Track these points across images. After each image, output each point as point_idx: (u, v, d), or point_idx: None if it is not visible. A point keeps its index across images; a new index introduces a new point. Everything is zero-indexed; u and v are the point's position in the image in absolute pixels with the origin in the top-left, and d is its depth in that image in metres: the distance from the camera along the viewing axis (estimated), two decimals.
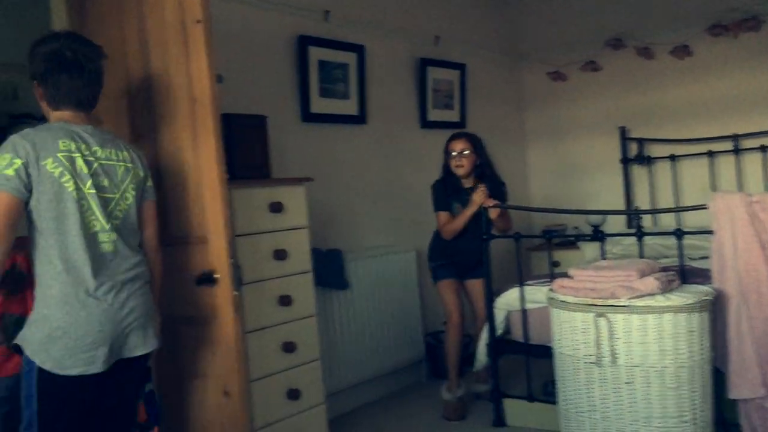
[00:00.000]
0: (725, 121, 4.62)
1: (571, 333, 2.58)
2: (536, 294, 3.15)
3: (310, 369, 2.97)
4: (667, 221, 4.77)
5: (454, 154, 3.55)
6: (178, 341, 2.44)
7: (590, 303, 2.52)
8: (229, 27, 3.37)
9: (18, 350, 1.94)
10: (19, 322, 2.06)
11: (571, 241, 4.75)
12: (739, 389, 2.61)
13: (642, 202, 4.98)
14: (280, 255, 2.86)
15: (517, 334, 3.26)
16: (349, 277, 3.75)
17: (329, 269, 3.59)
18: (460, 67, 4.85)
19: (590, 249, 4.30)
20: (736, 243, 2.65)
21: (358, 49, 4.06)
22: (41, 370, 1.85)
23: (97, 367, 1.88)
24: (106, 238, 1.95)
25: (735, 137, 4.57)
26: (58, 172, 1.87)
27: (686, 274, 2.84)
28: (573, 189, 5.31)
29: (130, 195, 2.06)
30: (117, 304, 1.93)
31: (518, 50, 5.50)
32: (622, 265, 2.65)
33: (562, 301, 2.62)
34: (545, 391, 3.29)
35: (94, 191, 1.93)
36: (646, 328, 2.42)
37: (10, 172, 1.81)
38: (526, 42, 5.48)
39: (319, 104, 3.85)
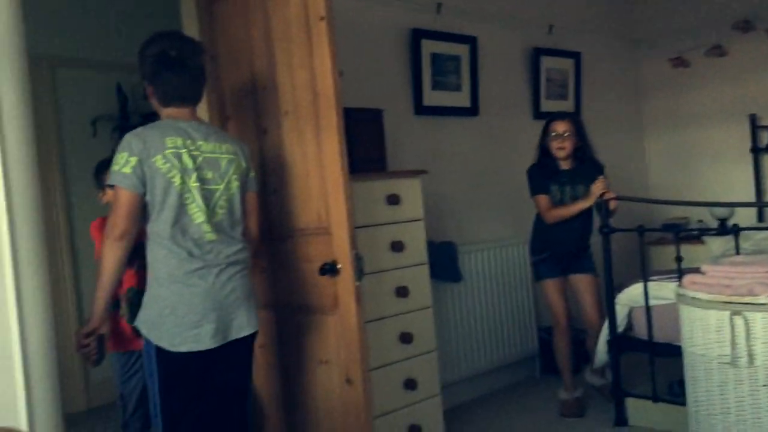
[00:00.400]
0: None
1: (704, 332, 2.45)
2: (661, 290, 3.02)
3: (427, 360, 2.98)
4: None
5: (555, 135, 3.44)
6: (300, 329, 2.52)
7: (725, 300, 2.38)
8: (344, 22, 3.42)
9: (138, 332, 2.12)
10: (139, 294, 2.22)
11: (694, 236, 4.50)
12: None
13: None
14: (397, 247, 2.89)
15: (641, 332, 3.13)
16: (462, 269, 3.74)
17: (443, 262, 3.58)
18: (575, 55, 4.71)
19: (717, 244, 4.07)
20: None
21: (471, 41, 4.03)
22: (158, 348, 2.03)
23: (203, 344, 2.02)
24: (209, 228, 2.07)
25: None
26: (166, 168, 2.01)
27: None
28: (696, 180, 5.04)
29: (234, 186, 2.17)
30: (218, 285, 2.06)
31: (636, 36, 5.27)
32: (761, 261, 2.49)
33: (693, 297, 2.49)
34: (671, 391, 3.15)
35: (198, 184, 2.06)
36: None
37: (127, 170, 1.99)
38: (644, 27, 5.24)
39: (432, 97, 3.85)
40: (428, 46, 3.82)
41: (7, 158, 1.84)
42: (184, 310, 2.01)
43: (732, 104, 4.81)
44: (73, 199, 4.22)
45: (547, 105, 4.55)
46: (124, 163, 1.99)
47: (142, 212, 2.04)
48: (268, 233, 2.60)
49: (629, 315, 3.20)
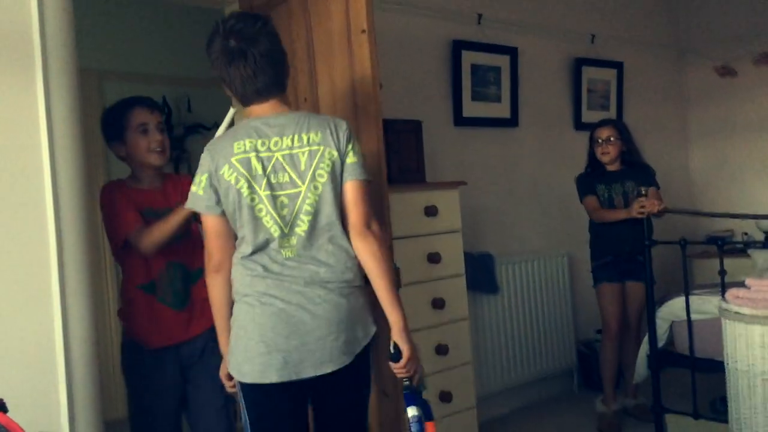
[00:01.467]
0: None
1: (748, 347, 2.40)
2: (704, 304, 2.96)
3: (462, 372, 2.98)
4: None
5: (600, 141, 3.52)
6: None
7: None
8: (386, 34, 3.46)
9: None
10: None
11: (739, 249, 4.40)
12: None
13: None
14: (434, 258, 2.90)
15: (682, 347, 3.07)
16: (500, 281, 3.72)
17: (480, 273, 3.58)
18: (617, 65, 4.66)
19: (763, 257, 3.96)
20: None
21: (511, 52, 4.02)
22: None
23: (267, 377, 1.72)
24: (286, 243, 1.77)
25: None
26: (234, 179, 1.76)
27: None
28: (742, 192, 4.92)
29: (322, 183, 1.79)
30: (293, 308, 1.74)
31: (681, 45, 5.19)
32: None
33: (737, 312, 2.44)
34: (713, 408, 3.09)
35: (268, 192, 1.76)
36: None
37: (199, 191, 1.79)
38: (689, 36, 5.16)
39: (471, 108, 3.86)
40: (469, 57, 3.83)
41: (57, 165, 1.93)
42: (253, 333, 1.73)
43: None
44: None
45: (589, 116, 4.50)
46: (197, 183, 1.80)
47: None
48: None
49: (670, 329, 3.14)
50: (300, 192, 1.78)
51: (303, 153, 1.79)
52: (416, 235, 2.86)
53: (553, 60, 4.36)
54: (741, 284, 2.54)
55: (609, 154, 3.50)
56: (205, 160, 1.81)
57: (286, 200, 1.78)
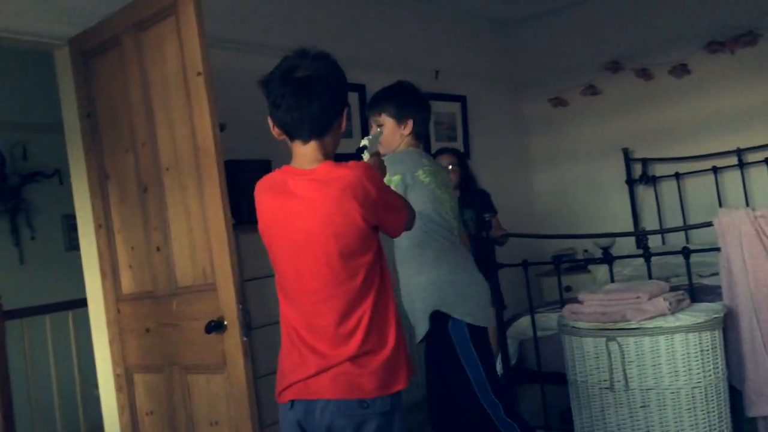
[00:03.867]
0: (728, 136, 4.63)
1: (584, 359, 2.58)
2: (547, 321, 3.15)
3: None
4: (678, 239, 4.76)
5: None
6: (189, 390, 2.46)
7: (601, 327, 2.52)
8: (234, 74, 3.44)
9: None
10: None
11: (582, 265, 4.74)
12: (757, 407, 2.58)
13: (649, 221, 4.98)
14: None
15: (531, 363, 3.25)
16: None
17: None
18: (461, 99, 4.91)
19: (601, 272, 4.29)
20: (745, 259, 2.65)
21: (359, 89, 4.13)
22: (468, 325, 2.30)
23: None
24: (456, 232, 2.44)
25: (739, 152, 4.57)
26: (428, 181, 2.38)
27: (697, 292, 2.83)
28: (580, 212, 5.31)
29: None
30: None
31: (518, 78, 5.57)
32: (631, 287, 2.65)
33: (573, 327, 2.62)
34: (563, 418, 3.26)
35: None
36: (658, 349, 2.41)
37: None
38: (525, 70, 5.54)
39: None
40: None
41: None
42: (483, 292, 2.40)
43: (607, 139, 5.13)
44: None
45: (438, 147, 4.69)
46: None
47: None
48: (153, 292, 2.55)
49: (520, 347, 3.31)
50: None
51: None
52: (270, 275, 2.82)
53: None
54: (577, 300, 2.74)
55: (452, 181, 3.61)
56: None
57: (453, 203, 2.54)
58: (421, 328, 2.35)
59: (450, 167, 3.63)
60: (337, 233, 1.60)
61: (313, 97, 1.64)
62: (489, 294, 2.45)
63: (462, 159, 3.74)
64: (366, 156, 2.07)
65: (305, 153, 1.70)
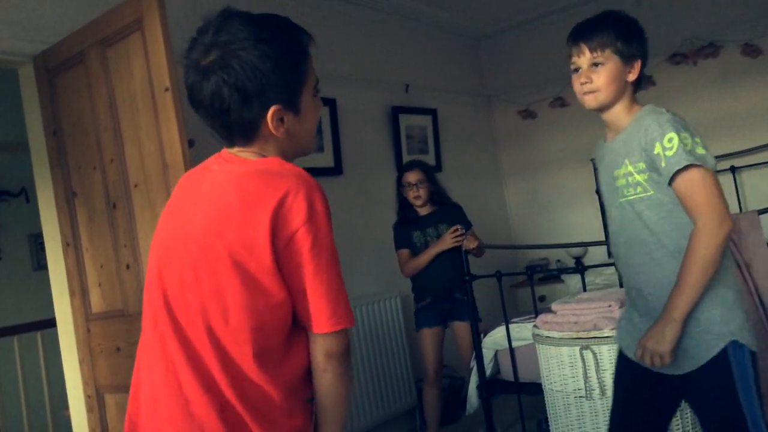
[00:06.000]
0: None
1: (559, 368, 2.58)
2: (522, 331, 3.15)
3: None
4: None
5: (409, 185, 3.59)
6: None
7: (574, 336, 2.53)
8: None
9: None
10: None
11: (555, 275, 4.77)
12: None
13: None
14: None
15: (507, 373, 3.25)
16: None
17: None
18: (432, 112, 4.94)
19: (574, 281, 4.32)
20: None
21: (331, 103, 4.13)
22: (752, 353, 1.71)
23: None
24: None
25: None
26: None
27: None
28: (553, 222, 5.36)
29: None
30: None
31: (488, 91, 5.62)
32: (603, 296, 2.67)
33: (547, 336, 2.63)
34: (539, 428, 3.27)
35: None
36: None
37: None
38: (495, 83, 5.60)
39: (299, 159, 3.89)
40: None
41: None
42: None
43: (576, 150, 5.18)
44: None
45: (410, 159, 4.71)
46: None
47: None
48: (123, 310, 2.50)
49: (495, 358, 3.31)
50: None
51: None
52: None
53: (371, 109, 4.54)
54: (550, 310, 2.75)
55: (421, 198, 3.57)
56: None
57: None
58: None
59: (418, 183, 3.57)
60: None
61: (208, 92, 1.26)
62: None
63: (430, 173, 3.68)
64: None
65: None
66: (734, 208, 4.56)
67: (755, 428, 1.68)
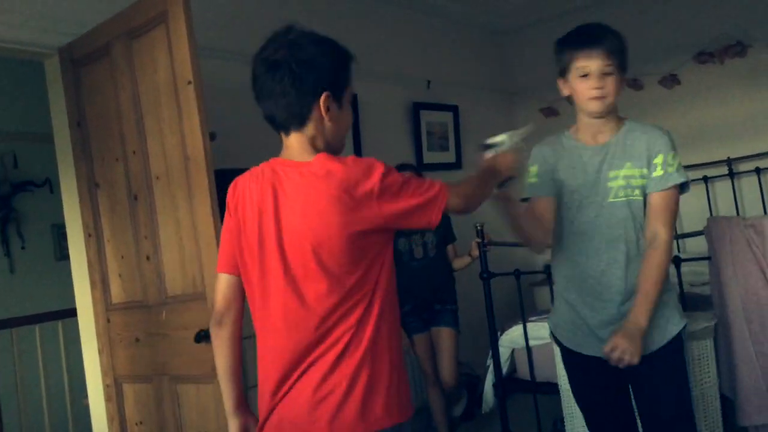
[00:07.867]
0: (718, 146, 4.65)
1: None
2: (540, 330, 3.13)
3: None
4: None
5: None
6: (179, 400, 2.44)
7: None
8: (224, 83, 3.44)
9: None
10: None
11: None
12: (749, 416, 2.57)
13: None
14: None
15: (524, 372, 3.23)
16: None
17: None
18: (453, 108, 4.92)
19: None
20: (736, 268, 2.65)
21: (352, 98, 4.12)
22: None
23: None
24: None
25: (729, 161, 4.59)
26: None
27: (689, 301, 2.83)
28: None
29: None
30: None
31: (510, 88, 5.59)
32: None
33: None
34: (555, 428, 3.25)
35: None
36: None
37: None
38: (517, 80, 5.56)
39: None
40: None
41: None
42: None
43: None
44: None
45: (430, 157, 4.71)
46: None
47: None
48: (143, 301, 2.53)
49: (512, 356, 3.30)
50: None
51: None
52: None
53: (393, 105, 4.53)
54: None
55: None
56: None
57: None
58: None
59: None
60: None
61: (275, 81, 1.50)
62: None
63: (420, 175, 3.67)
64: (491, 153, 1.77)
65: (289, 145, 1.56)
66: (759, 210, 4.49)
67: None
